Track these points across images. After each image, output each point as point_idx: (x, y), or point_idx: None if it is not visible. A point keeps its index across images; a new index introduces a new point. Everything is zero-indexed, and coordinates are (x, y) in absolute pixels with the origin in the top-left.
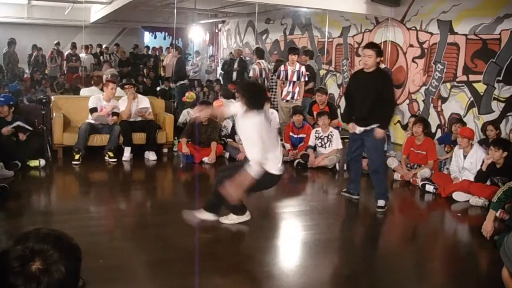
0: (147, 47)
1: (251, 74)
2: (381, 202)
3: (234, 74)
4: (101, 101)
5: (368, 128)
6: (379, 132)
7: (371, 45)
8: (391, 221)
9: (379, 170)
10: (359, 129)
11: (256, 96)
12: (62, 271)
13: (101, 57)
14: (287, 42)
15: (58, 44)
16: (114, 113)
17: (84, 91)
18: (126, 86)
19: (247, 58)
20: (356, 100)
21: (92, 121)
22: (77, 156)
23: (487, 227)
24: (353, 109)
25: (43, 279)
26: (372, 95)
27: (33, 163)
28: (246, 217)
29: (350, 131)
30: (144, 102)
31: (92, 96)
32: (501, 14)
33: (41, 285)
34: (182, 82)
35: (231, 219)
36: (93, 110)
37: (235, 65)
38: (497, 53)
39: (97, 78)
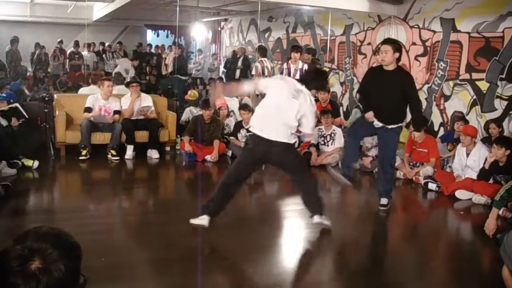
0: (150, 45)
1: (253, 72)
2: (384, 201)
3: (237, 72)
4: (98, 100)
5: (388, 126)
6: (417, 136)
7: (388, 40)
8: (393, 219)
9: (389, 170)
10: (377, 123)
11: (317, 76)
12: (61, 269)
13: (104, 55)
14: (289, 40)
15: (61, 42)
16: (116, 112)
17: (84, 90)
18: (133, 85)
19: (250, 56)
20: (374, 98)
21: (92, 118)
22: (84, 152)
23: (490, 225)
24: (371, 105)
25: (42, 278)
26: (396, 95)
27: (27, 162)
28: (206, 222)
29: (369, 119)
30: (146, 100)
31: (91, 95)
32: (504, 12)
33: (40, 284)
34: (180, 76)
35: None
36: (87, 109)
37: (239, 63)
38: (500, 51)
39: (95, 76)
